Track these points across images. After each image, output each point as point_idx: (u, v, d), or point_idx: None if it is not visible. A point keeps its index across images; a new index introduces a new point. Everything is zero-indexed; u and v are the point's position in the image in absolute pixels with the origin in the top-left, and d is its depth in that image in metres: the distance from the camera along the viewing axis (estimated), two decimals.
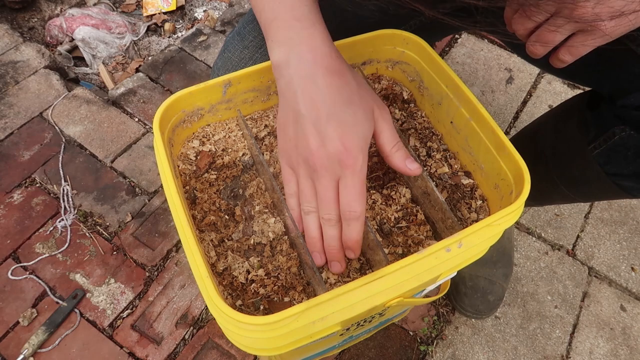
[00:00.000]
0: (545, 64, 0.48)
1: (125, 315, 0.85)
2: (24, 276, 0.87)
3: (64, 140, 1.04)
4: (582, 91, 0.65)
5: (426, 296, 0.57)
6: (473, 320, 0.90)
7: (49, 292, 0.86)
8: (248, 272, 0.46)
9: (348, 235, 0.43)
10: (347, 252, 0.45)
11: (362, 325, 0.56)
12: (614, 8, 0.37)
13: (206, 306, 0.88)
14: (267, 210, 0.50)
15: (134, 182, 1.00)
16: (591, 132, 0.57)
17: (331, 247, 0.44)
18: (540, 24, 0.41)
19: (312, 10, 0.42)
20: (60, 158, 1.02)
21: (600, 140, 0.55)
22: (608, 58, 0.51)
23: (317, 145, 0.39)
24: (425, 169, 0.51)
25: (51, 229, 0.93)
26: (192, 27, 1.37)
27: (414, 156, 0.47)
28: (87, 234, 0.93)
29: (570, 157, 0.62)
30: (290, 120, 0.40)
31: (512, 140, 0.47)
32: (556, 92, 1.25)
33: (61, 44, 1.31)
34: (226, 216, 0.49)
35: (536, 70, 1.28)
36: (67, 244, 0.91)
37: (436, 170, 0.54)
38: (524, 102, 1.23)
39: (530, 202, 0.73)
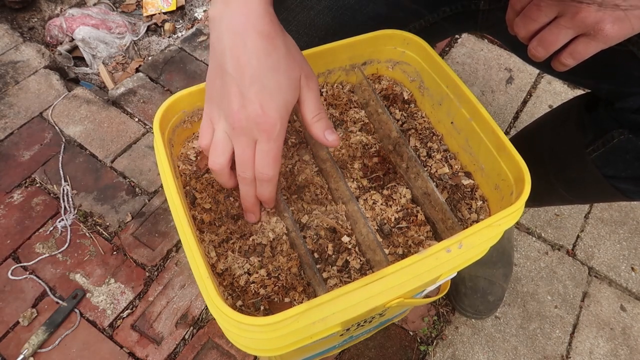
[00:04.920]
0: (545, 65, 0.48)
1: (125, 315, 0.85)
2: (24, 276, 0.87)
3: (64, 140, 1.04)
4: (582, 92, 0.65)
5: (426, 296, 0.57)
6: (473, 320, 0.90)
7: (49, 292, 0.86)
8: (248, 272, 0.46)
9: (260, 192, 0.45)
10: (262, 204, 0.48)
11: (362, 326, 0.56)
12: (616, 12, 0.37)
13: (206, 306, 0.88)
14: (267, 210, 0.50)
15: (134, 182, 1.00)
16: (589, 135, 0.57)
17: (246, 201, 0.46)
18: (542, 27, 0.41)
19: None
20: (60, 158, 1.02)
21: (599, 143, 0.55)
22: (608, 60, 0.51)
23: (238, 106, 0.39)
24: (425, 169, 0.51)
25: (51, 229, 0.93)
26: (192, 27, 1.37)
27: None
28: (87, 234, 0.93)
29: (568, 159, 0.62)
30: (217, 75, 0.41)
31: (511, 140, 0.47)
32: (556, 92, 1.25)
33: (61, 44, 1.30)
34: (226, 216, 0.49)
35: (536, 70, 1.28)
36: (67, 244, 0.91)
37: (436, 171, 0.54)
38: (524, 102, 1.23)
39: (529, 202, 0.73)
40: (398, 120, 0.57)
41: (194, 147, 0.53)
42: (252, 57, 0.38)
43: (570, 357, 0.88)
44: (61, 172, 1.00)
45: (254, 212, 0.48)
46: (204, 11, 1.43)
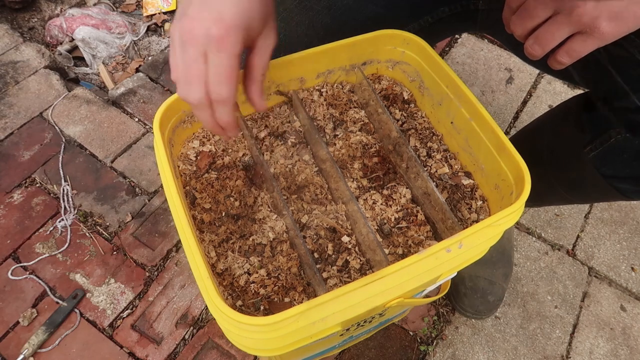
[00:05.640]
0: (543, 64, 0.48)
1: (125, 315, 0.85)
2: (24, 276, 0.87)
3: (64, 140, 1.04)
4: (582, 91, 0.65)
5: (426, 296, 0.57)
6: (473, 320, 0.90)
7: (49, 292, 0.86)
8: (248, 272, 0.46)
9: (218, 117, 0.39)
10: (224, 130, 0.42)
11: (362, 326, 0.56)
12: (612, 10, 0.37)
13: (206, 306, 0.88)
14: (267, 211, 0.50)
15: (134, 182, 1.00)
16: (588, 134, 0.56)
17: (207, 124, 0.40)
18: (538, 26, 0.41)
19: None
20: (60, 158, 1.02)
21: (597, 143, 0.55)
22: (606, 60, 0.51)
23: (195, 12, 0.35)
24: (425, 169, 0.51)
25: (51, 229, 0.93)
26: None
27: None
28: (87, 234, 0.93)
29: (567, 159, 0.62)
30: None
31: (511, 140, 0.47)
32: (556, 92, 1.25)
33: (61, 44, 1.30)
34: (226, 216, 0.49)
35: (536, 70, 1.28)
36: (67, 244, 0.91)
37: (436, 171, 0.54)
38: (524, 102, 1.23)
39: (529, 202, 0.73)
40: (398, 120, 0.57)
41: (194, 147, 0.53)
42: None
43: (570, 357, 0.88)
44: (61, 172, 1.00)
45: (219, 133, 0.42)
46: None
